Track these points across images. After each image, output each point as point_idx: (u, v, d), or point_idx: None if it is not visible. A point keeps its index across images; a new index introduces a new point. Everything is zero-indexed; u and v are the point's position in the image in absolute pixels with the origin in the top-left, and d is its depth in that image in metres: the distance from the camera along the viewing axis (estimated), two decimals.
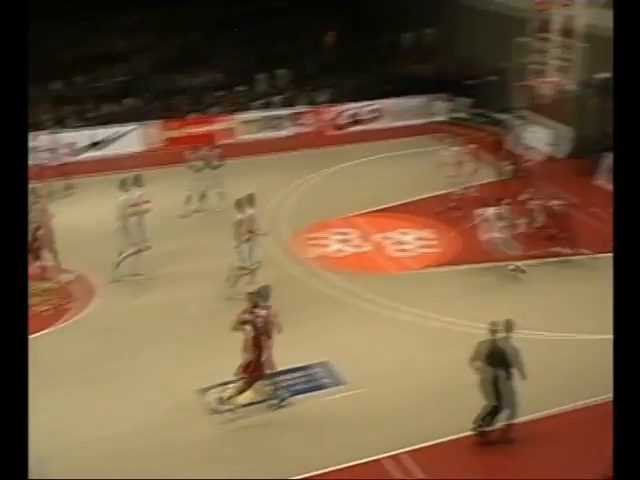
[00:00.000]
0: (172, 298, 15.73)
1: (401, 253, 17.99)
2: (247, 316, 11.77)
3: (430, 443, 11.29)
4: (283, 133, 26.38)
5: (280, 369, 12.31)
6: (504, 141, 23.06)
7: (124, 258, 16.27)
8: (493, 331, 11.26)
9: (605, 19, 21.31)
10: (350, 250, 18.07)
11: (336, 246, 18.21)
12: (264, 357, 11.83)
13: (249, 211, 15.35)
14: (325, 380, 12.92)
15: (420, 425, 11.74)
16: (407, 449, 11.11)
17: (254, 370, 11.84)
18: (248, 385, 11.97)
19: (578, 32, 18.86)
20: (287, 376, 12.73)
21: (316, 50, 30.43)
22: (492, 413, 11.46)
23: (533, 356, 11.52)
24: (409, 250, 18.12)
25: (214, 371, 12.68)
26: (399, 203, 20.39)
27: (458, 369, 12.81)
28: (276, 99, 27.41)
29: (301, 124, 26.68)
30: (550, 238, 17.42)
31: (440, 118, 27.51)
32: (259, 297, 11.98)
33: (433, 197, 20.63)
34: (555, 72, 19.09)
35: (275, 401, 12.29)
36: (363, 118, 27.27)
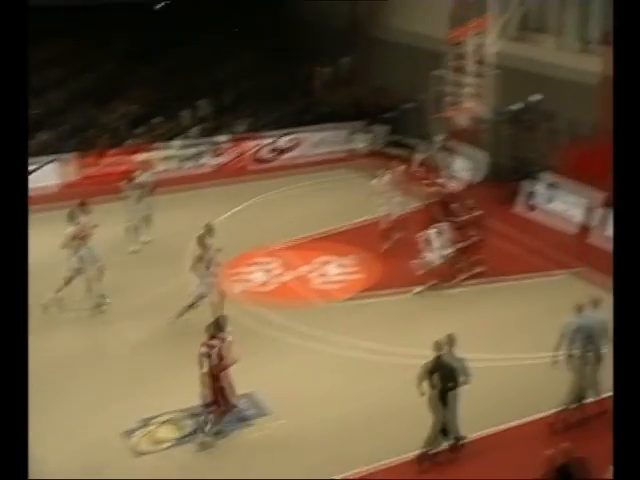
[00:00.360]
0: (108, 334, 15.68)
1: (324, 283, 18.11)
2: (204, 349, 11.83)
3: (361, 469, 11.41)
4: (203, 166, 26.27)
5: (204, 402, 12.27)
6: (423, 168, 23.52)
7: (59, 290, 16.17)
8: (437, 348, 11.54)
9: (515, 49, 22.23)
10: (273, 282, 18.08)
11: (260, 279, 18.21)
12: (226, 388, 11.98)
13: (209, 242, 15.42)
14: (250, 411, 12.94)
15: (350, 450, 11.90)
16: (338, 477, 11.14)
17: (221, 403, 12.03)
18: (219, 418, 12.11)
19: (490, 61, 19.46)
20: (212, 408, 12.54)
21: (234, 81, 30.52)
22: (442, 432, 11.66)
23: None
24: (332, 280, 18.26)
25: (146, 409, 12.58)
26: (322, 233, 20.57)
27: (385, 396, 13.00)
28: (195, 131, 27.30)
29: (221, 156, 26.64)
30: (470, 263, 17.88)
31: (359, 147, 27.87)
32: (216, 328, 12.07)
33: (357, 225, 20.96)
34: (469, 100, 19.62)
35: (201, 435, 12.22)
36: (283, 148, 27.41)
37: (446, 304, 16.95)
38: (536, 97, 22.45)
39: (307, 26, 32.10)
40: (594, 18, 21.03)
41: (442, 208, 17.86)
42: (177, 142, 26.27)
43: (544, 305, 16.77)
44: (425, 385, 11.52)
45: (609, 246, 19.34)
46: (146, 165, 20.75)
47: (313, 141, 27.74)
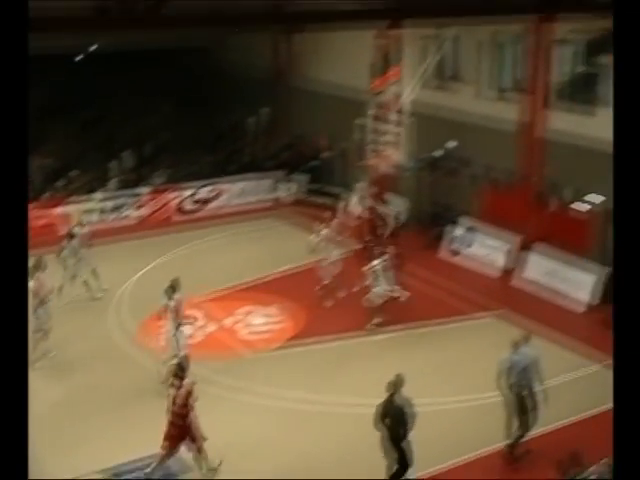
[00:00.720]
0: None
1: (250, 334, 17.94)
2: (172, 390, 12.03)
3: None
4: (126, 217, 25.88)
5: (129, 459, 12.10)
6: (346, 216, 23.71)
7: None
8: (389, 389, 11.65)
9: (434, 97, 22.78)
10: (199, 334, 17.81)
11: (186, 331, 17.90)
12: (193, 428, 12.05)
13: (177, 296, 15.25)
14: (175, 467, 12.57)
15: None
16: None
17: (193, 441, 12.09)
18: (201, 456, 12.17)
19: (408, 109, 19.88)
20: (138, 464, 12.38)
21: (154, 132, 30.37)
22: (399, 473, 11.63)
23: None
24: (258, 330, 18.11)
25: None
26: (247, 282, 20.38)
27: (315, 446, 12.84)
28: (115, 183, 26.91)
29: (143, 207, 26.31)
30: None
31: (283, 196, 27.95)
32: (179, 369, 12.25)
33: (281, 275, 20.93)
34: (390, 148, 19.96)
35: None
36: (206, 199, 27.26)
37: (374, 350, 16.97)
38: (453, 144, 22.97)
39: (229, 77, 32.36)
40: (507, 67, 21.69)
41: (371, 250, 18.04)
42: (98, 195, 25.81)
43: (469, 348, 16.98)
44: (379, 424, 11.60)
45: (529, 288, 19.96)
46: (68, 219, 20.33)
47: (235, 191, 27.66)
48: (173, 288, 15.31)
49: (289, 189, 28.11)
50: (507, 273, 21.00)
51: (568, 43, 19.22)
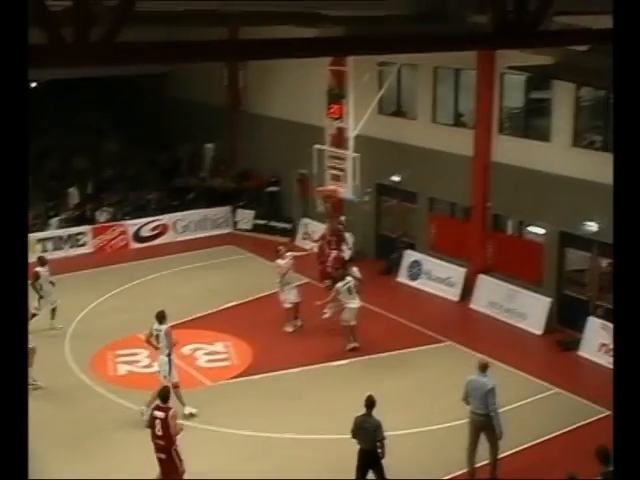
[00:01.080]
0: None
1: (207, 362, 17.79)
2: (158, 413, 12.15)
3: None
4: (68, 253, 25.43)
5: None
6: (293, 246, 23.76)
7: None
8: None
9: (383, 125, 23.10)
10: (139, 370, 17.53)
11: (126, 367, 17.66)
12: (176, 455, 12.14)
13: (163, 327, 15.30)
14: None
15: None
16: None
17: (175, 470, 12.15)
18: None
19: (350, 142, 20.14)
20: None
21: (97, 169, 30.09)
22: None
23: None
24: (214, 358, 17.94)
25: None
26: (192, 317, 20.12)
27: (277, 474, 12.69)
28: (59, 219, 26.47)
29: (86, 245, 25.90)
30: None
31: (228, 230, 27.85)
32: (162, 398, 12.44)
33: (227, 309, 20.79)
34: (344, 177, 20.12)
35: None
36: (150, 235, 26.98)
37: (331, 379, 16.92)
38: (400, 175, 23.25)
39: (181, 105, 32.27)
40: (458, 97, 22.10)
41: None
42: (39, 233, 25.29)
43: (426, 375, 17.07)
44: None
45: (484, 314, 20.23)
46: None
47: (182, 225, 27.47)
48: (160, 318, 15.35)
49: (242, 221, 28.02)
50: (462, 300, 21.24)
51: (513, 76, 19.71)
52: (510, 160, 20.36)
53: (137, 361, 17.79)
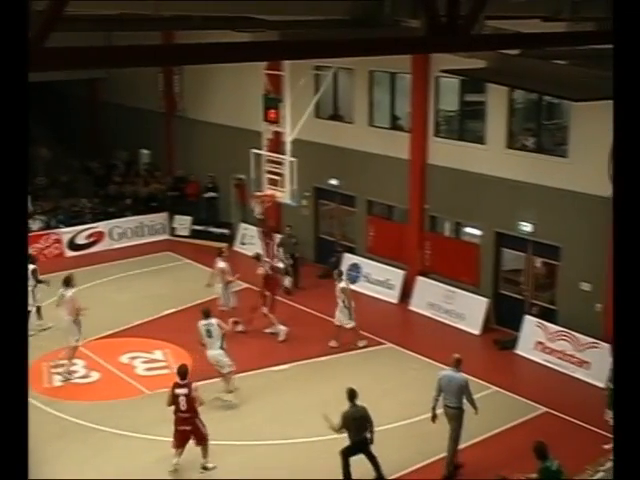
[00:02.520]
0: None
1: (145, 370, 17.63)
2: (179, 390, 13.30)
3: None
4: None
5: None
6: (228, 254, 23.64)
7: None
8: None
9: (321, 129, 23.15)
10: (93, 376, 17.28)
11: (80, 372, 17.39)
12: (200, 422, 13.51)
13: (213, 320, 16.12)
14: None
15: None
16: None
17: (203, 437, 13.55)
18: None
19: (287, 147, 20.15)
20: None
21: (30, 175, 29.48)
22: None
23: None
24: (143, 372, 17.70)
25: None
26: (130, 325, 19.91)
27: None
28: None
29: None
30: None
31: (165, 236, 27.58)
32: (181, 375, 13.45)
33: (165, 316, 20.62)
34: (279, 182, 20.07)
35: None
36: (86, 243, 26.56)
37: (272, 385, 16.88)
38: (338, 179, 23.34)
39: (116, 110, 31.88)
40: (395, 100, 22.26)
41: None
42: None
43: (368, 376, 17.14)
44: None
45: (416, 318, 20.41)
46: None
47: (118, 233, 27.10)
48: (207, 314, 16.01)
49: (181, 226, 27.77)
50: (401, 302, 21.39)
51: (447, 79, 19.93)
52: (446, 162, 20.61)
53: (73, 372, 17.47)
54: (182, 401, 13.27)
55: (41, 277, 19.95)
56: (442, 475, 13.34)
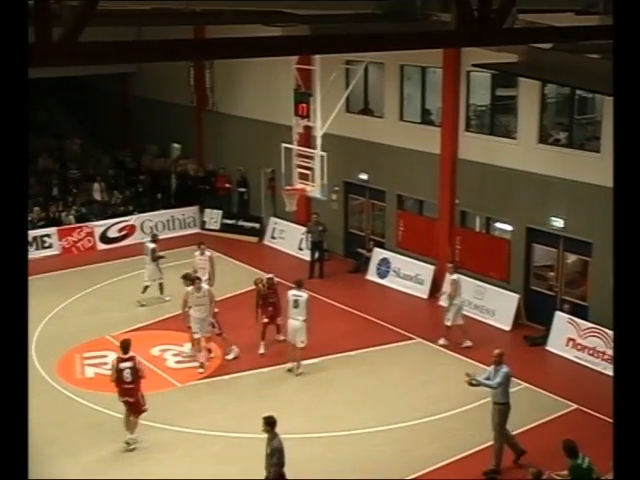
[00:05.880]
0: None
1: (165, 369, 17.56)
2: (123, 364, 13.84)
3: None
4: (34, 255, 25.10)
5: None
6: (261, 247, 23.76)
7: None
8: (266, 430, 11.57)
9: (351, 123, 23.15)
10: (107, 372, 17.33)
11: (93, 370, 17.44)
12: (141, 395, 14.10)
13: (303, 293, 16.84)
14: None
15: None
16: None
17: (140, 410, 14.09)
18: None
19: (317, 141, 20.16)
20: None
21: (63, 169, 29.83)
22: None
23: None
24: (173, 365, 17.75)
25: None
26: (160, 318, 20.00)
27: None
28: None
29: (53, 245, 25.65)
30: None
31: (196, 230, 27.66)
32: (123, 349, 13.98)
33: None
34: (311, 176, 20.10)
35: None
36: (118, 236, 26.75)
37: (301, 378, 16.93)
38: (368, 173, 23.31)
39: (145, 109, 32.08)
40: (426, 95, 22.18)
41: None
42: None
43: (396, 372, 17.13)
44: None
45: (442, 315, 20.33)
46: None
47: (150, 225, 27.21)
48: (300, 285, 16.79)
49: (211, 220, 27.88)
50: (430, 297, 21.33)
51: (479, 74, 19.81)
52: (477, 157, 20.49)
53: (105, 363, 17.61)
54: (127, 373, 13.76)
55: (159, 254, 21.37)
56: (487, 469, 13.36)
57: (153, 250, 21.12)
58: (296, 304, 16.51)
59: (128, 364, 13.84)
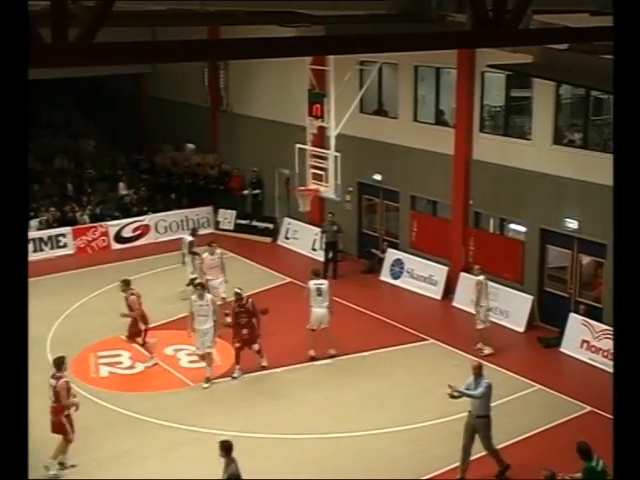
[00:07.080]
0: None
1: (178, 369, 17.60)
2: (51, 380, 13.16)
3: None
4: (49, 254, 25.28)
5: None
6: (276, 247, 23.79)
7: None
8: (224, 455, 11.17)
9: (365, 124, 23.15)
10: (121, 372, 17.53)
11: (108, 369, 17.55)
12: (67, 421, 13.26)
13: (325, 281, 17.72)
14: None
15: None
16: None
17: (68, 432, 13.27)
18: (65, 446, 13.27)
19: (331, 141, 20.16)
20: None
21: (78, 168, 29.97)
22: None
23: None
24: (187, 365, 17.74)
25: None
26: (174, 318, 20.00)
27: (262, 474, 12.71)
28: (38, 220, 26.26)
29: (68, 244, 25.78)
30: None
31: (210, 230, 27.68)
32: (57, 366, 13.39)
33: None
34: (324, 176, 20.13)
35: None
36: (131, 235, 26.84)
37: (314, 379, 16.94)
38: (382, 174, 23.30)
39: (159, 109, 32.17)
40: (439, 96, 22.15)
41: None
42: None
43: (409, 373, 17.11)
44: None
45: (459, 314, 20.28)
46: None
47: (163, 226, 27.34)
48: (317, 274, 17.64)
49: (225, 220, 27.93)
50: (444, 298, 21.30)
51: (493, 74, 19.77)
52: (491, 158, 20.44)
53: (119, 362, 17.73)
54: (50, 392, 13.10)
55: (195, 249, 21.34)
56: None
57: (190, 243, 21.27)
58: (319, 292, 17.13)
59: (53, 382, 13.18)
